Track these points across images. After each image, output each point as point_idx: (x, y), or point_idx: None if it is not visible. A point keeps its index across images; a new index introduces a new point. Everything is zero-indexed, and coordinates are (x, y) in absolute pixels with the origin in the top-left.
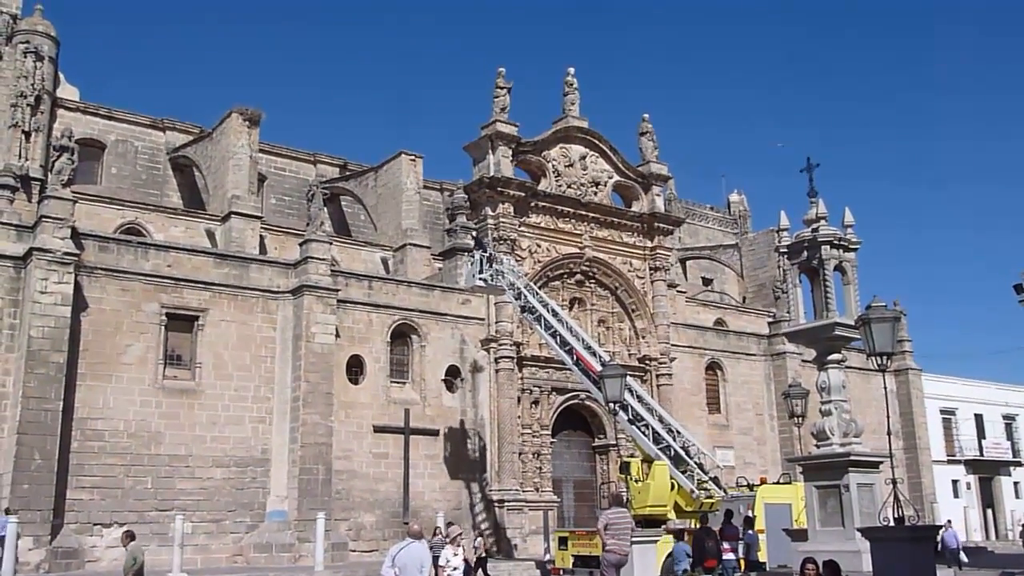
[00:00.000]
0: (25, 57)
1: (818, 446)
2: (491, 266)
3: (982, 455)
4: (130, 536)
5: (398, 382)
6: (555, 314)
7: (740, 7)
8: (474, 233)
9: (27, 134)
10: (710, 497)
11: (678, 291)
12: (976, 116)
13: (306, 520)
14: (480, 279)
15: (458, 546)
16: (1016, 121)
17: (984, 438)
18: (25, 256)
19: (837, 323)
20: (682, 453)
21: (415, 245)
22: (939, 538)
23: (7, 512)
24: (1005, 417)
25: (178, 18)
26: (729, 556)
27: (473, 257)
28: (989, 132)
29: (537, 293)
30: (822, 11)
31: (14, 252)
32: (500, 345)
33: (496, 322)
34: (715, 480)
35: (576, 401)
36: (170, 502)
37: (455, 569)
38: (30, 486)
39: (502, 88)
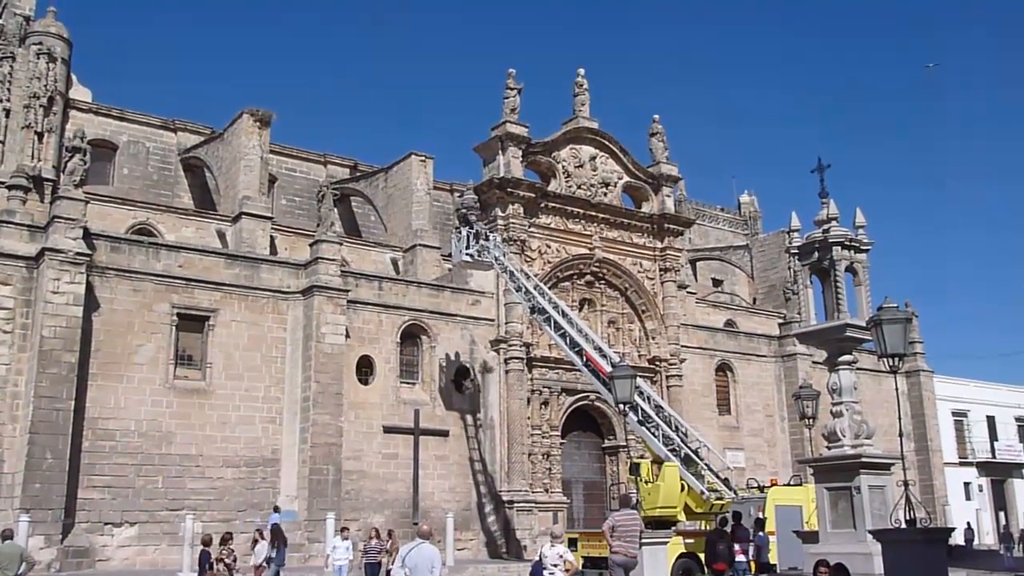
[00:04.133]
0: (38, 58)
1: (829, 448)
2: (478, 242)
3: (994, 457)
4: (5, 536)
5: (408, 382)
6: (565, 315)
7: (750, 8)
8: (462, 211)
9: (40, 135)
10: (720, 499)
11: (688, 292)
12: (989, 115)
13: (316, 520)
14: (467, 255)
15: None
16: None
17: (996, 440)
18: (37, 256)
19: (848, 324)
20: (692, 454)
21: (425, 246)
22: None
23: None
24: (1017, 419)
25: (189, 19)
26: (740, 558)
27: (460, 234)
28: (1003, 131)
29: (546, 294)
30: (832, 13)
31: (26, 252)
32: (510, 346)
33: (506, 323)
34: (725, 481)
35: (586, 402)
36: (181, 501)
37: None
38: (41, 485)
39: (512, 89)
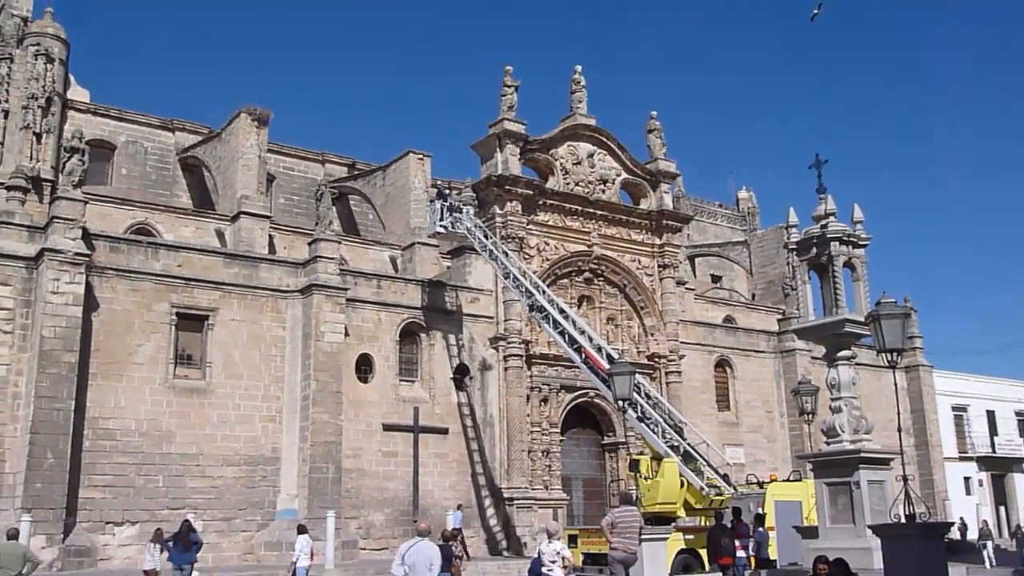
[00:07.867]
0: (36, 59)
1: (828, 443)
2: (451, 214)
3: (994, 452)
4: (10, 535)
5: (407, 380)
6: (563, 312)
7: (748, 4)
8: (436, 184)
9: (38, 136)
10: (720, 494)
11: (687, 288)
12: (985, 111)
13: (316, 518)
14: (440, 226)
15: (562, 541)
16: None
17: (996, 435)
18: (37, 257)
19: (847, 319)
20: (691, 450)
21: (423, 244)
22: None
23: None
24: (1017, 414)
25: (186, 19)
26: (740, 554)
27: (434, 206)
28: (1000, 127)
29: (545, 291)
30: (830, 8)
31: (26, 253)
32: (509, 343)
33: (505, 320)
34: (725, 477)
35: (585, 399)
36: (181, 500)
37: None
38: (43, 485)
39: (510, 86)
